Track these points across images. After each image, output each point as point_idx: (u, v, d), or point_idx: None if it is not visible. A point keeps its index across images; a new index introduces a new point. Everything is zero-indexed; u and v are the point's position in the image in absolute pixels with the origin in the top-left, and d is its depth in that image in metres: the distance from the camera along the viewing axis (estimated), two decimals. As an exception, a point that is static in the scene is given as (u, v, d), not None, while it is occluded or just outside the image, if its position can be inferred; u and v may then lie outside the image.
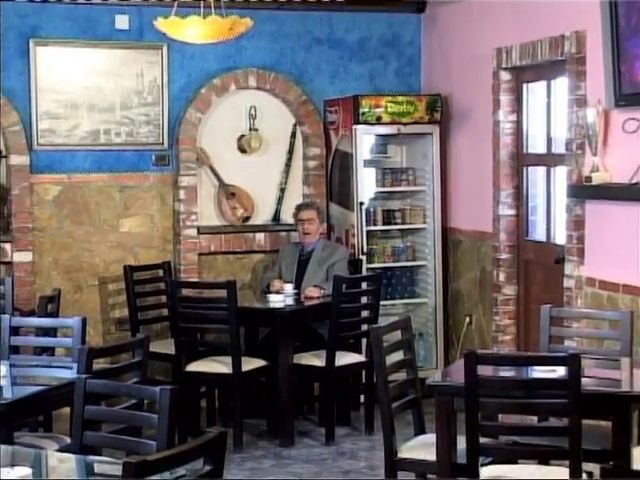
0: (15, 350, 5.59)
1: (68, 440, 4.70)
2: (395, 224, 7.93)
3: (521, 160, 7.07)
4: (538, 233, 7.09)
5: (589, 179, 5.96)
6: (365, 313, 7.04)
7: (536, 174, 7.08)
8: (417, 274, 7.99)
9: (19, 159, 7.36)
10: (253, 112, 7.89)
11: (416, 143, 7.96)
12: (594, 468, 4.43)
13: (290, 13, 7.87)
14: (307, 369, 6.83)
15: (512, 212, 7.11)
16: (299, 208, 7.48)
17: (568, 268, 6.29)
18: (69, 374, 4.85)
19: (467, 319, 7.60)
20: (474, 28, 7.43)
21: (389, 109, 7.67)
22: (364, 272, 7.52)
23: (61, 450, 4.56)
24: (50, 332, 5.89)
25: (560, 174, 6.55)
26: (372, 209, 7.79)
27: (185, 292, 6.89)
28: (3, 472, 3.32)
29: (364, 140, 7.72)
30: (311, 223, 7.36)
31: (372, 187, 7.83)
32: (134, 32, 7.56)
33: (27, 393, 4.75)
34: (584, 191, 6.08)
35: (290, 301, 6.99)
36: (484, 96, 7.20)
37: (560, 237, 6.57)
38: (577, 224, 6.23)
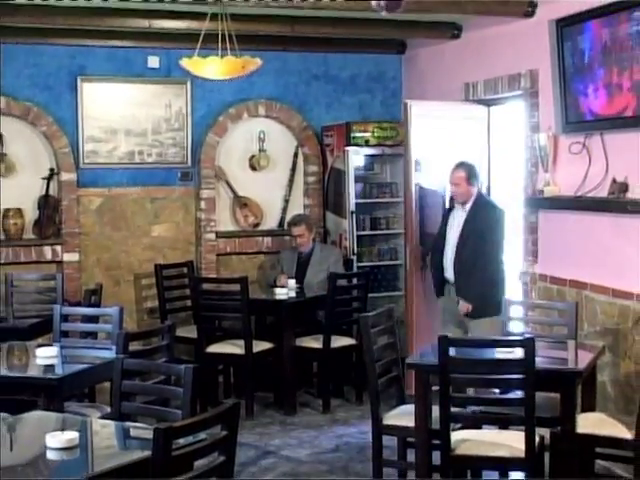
0: (65, 334, 5.61)
1: (108, 409, 4.71)
2: (380, 229, 7.90)
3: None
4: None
5: (542, 192, 5.97)
6: (356, 304, 7.03)
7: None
8: (399, 271, 7.98)
9: (68, 176, 7.37)
10: (262, 136, 7.89)
11: (398, 162, 7.92)
12: (545, 432, 4.43)
13: (293, 54, 7.87)
14: (307, 350, 6.82)
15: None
16: (289, 225, 7.47)
17: (524, 266, 6.30)
18: (109, 354, 4.87)
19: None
20: (446, 66, 7.44)
21: (375, 134, 7.68)
22: (355, 269, 7.52)
23: (103, 417, 4.57)
24: (93, 319, 5.88)
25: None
26: (361, 217, 7.78)
27: (205, 286, 6.88)
28: (56, 435, 3.33)
29: (355, 159, 7.70)
30: (302, 237, 7.35)
31: (361, 199, 7.83)
32: (163, 70, 7.56)
33: (75, 370, 4.78)
34: (537, 202, 6.08)
35: (293, 294, 6.99)
36: (454, 123, 7.20)
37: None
38: (532, 230, 6.24)
